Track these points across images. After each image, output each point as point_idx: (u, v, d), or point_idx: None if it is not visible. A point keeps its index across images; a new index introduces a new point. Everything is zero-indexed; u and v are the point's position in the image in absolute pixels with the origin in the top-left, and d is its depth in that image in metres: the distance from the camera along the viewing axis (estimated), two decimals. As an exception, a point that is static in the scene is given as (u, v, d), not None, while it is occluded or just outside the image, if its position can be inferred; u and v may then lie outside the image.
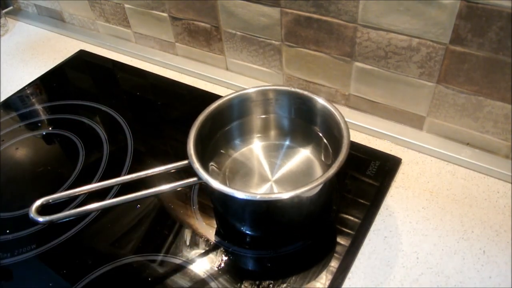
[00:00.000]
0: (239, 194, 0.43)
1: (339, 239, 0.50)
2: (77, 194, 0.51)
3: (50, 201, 0.49)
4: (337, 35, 0.58)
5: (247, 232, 0.52)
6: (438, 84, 0.55)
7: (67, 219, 0.49)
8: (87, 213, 0.55)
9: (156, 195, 0.56)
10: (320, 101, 0.53)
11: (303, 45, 0.63)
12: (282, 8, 0.60)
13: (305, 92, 0.54)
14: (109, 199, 0.57)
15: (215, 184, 0.44)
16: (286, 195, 0.43)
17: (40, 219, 0.47)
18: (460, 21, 0.48)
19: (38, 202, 0.49)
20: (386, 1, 0.51)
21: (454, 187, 0.55)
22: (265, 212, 0.48)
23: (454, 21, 0.49)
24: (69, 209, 0.49)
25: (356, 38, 0.57)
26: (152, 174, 0.50)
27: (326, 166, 0.46)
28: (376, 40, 0.55)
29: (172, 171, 0.49)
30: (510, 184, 0.54)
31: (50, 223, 0.49)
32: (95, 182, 0.57)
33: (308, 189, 0.43)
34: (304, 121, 0.56)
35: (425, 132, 0.61)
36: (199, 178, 0.45)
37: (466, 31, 0.49)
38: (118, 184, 0.55)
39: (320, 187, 0.44)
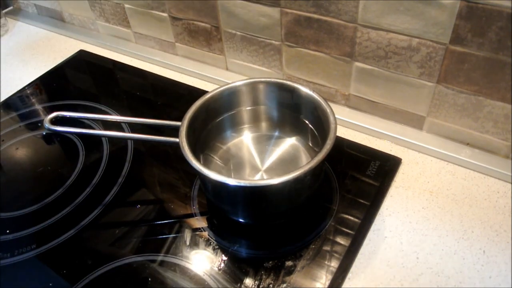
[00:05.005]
0: (230, 181, 0.44)
1: (339, 239, 0.50)
2: (88, 118, 0.66)
3: (67, 115, 0.64)
4: (337, 35, 0.58)
5: (240, 220, 0.52)
6: (438, 84, 0.55)
7: (72, 133, 0.64)
8: (86, 213, 0.56)
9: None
10: (307, 91, 0.54)
11: (303, 45, 0.63)
12: (282, 8, 0.60)
13: (293, 84, 0.55)
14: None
15: (207, 172, 0.45)
16: (275, 180, 0.43)
17: (51, 127, 0.59)
18: (460, 21, 0.48)
19: (53, 114, 0.62)
20: (386, 1, 0.51)
21: (454, 187, 0.55)
22: (254, 199, 0.48)
23: (454, 21, 0.49)
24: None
25: (356, 38, 0.57)
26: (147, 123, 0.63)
27: (315, 154, 0.48)
28: (376, 40, 0.55)
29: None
30: (510, 184, 0.54)
31: (55, 133, 0.64)
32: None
33: (297, 175, 0.43)
34: (293, 111, 0.57)
35: (425, 132, 0.61)
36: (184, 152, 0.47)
37: (466, 31, 0.49)
38: (125, 122, 0.68)
39: (309, 172, 0.45)
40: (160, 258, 0.50)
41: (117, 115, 0.71)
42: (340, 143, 0.61)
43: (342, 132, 0.63)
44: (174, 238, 0.52)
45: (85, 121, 0.70)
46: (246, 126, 0.60)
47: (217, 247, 0.50)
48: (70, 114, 0.65)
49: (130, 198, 0.58)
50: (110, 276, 0.49)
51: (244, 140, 0.59)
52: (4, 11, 1.02)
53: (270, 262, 0.48)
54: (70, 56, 0.86)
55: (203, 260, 0.49)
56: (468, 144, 0.58)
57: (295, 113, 0.57)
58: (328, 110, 0.50)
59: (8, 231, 0.55)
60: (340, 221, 0.52)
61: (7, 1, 1.05)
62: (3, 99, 0.78)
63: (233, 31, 0.69)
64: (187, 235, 0.52)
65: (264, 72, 0.71)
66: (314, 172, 0.47)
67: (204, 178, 0.49)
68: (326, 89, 0.66)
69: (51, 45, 0.91)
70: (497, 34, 0.47)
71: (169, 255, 0.50)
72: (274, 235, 0.52)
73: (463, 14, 0.48)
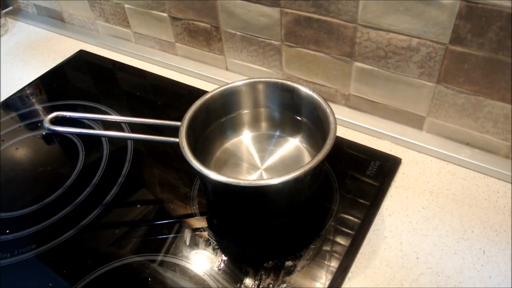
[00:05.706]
0: (230, 181, 0.44)
1: (339, 239, 0.50)
2: (88, 118, 0.66)
3: (67, 116, 0.62)
4: (337, 35, 0.58)
5: (240, 220, 0.52)
6: (438, 84, 0.55)
7: (72, 133, 0.64)
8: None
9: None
10: (307, 91, 0.54)
11: (303, 45, 0.63)
12: (282, 8, 0.60)
13: (293, 84, 0.55)
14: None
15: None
16: (275, 180, 0.43)
17: (51, 127, 0.57)
18: (460, 21, 0.48)
19: (53, 114, 0.60)
20: (386, 1, 0.51)
21: (454, 187, 0.55)
22: (254, 199, 0.49)
23: (454, 21, 0.49)
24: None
25: (356, 38, 0.57)
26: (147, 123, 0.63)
27: (315, 154, 0.48)
28: (376, 40, 0.55)
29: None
30: (510, 184, 0.54)
31: (55, 133, 0.64)
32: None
33: (297, 175, 0.43)
34: (293, 112, 0.57)
35: (425, 132, 0.61)
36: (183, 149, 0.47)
37: (466, 31, 0.49)
38: (125, 122, 0.68)
39: (309, 172, 0.45)
40: (160, 258, 0.50)
41: (117, 115, 0.71)
42: (340, 143, 0.61)
43: (342, 132, 0.63)
44: (174, 238, 0.52)
45: (85, 121, 0.70)
46: (246, 126, 0.60)
47: (217, 247, 0.50)
48: (70, 114, 0.65)
49: (130, 198, 0.58)
50: (110, 276, 0.49)
51: (244, 140, 0.60)
52: (4, 11, 1.02)
53: (270, 262, 0.48)
54: (70, 56, 0.86)
55: (203, 260, 0.49)
56: (468, 144, 0.58)
57: (295, 113, 0.57)
58: (328, 110, 0.50)
59: (8, 231, 0.55)
60: (340, 221, 0.52)
61: (7, 1, 1.05)
62: (3, 99, 0.78)
63: (233, 31, 0.69)
64: (187, 235, 0.52)
65: (264, 72, 0.71)
66: (314, 172, 0.47)
67: (204, 178, 0.49)
68: (326, 89, 0.66)
69: (51, 45, 0.91)
70: (497, 34, 0.47)
71: (169, 255, 0.50)
72: (274, 235, 0.52)
73: (463, 14, 0.48)
